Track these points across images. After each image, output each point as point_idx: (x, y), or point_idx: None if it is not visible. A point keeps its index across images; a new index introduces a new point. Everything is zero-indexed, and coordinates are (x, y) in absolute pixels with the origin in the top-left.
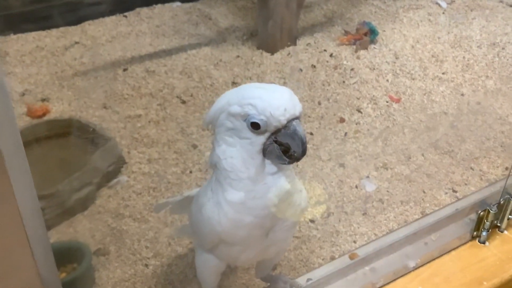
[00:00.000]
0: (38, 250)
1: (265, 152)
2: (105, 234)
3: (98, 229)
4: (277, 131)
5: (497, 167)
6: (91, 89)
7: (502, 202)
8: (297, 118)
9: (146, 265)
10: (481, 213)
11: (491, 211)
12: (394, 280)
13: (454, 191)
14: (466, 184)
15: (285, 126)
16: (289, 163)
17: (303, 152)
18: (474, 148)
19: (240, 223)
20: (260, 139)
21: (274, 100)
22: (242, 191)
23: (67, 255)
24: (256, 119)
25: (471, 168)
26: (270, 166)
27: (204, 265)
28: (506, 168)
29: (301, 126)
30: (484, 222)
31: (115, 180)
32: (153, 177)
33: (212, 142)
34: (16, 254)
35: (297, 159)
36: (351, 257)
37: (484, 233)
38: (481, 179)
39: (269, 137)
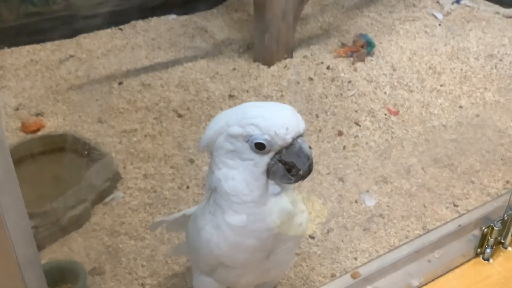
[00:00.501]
0: (29, 276)
1: (269, 172)
2: (100, 252)
3: (93, 247)
4: (281, 150)
5: (498, 180)
6: (86, 103)
7: (506, 218)
8: (301, 135)
9: (143, 285)
10: (485, 230)
11: (495, 227)
12: None
13: (455, 205)
14: (467, 198)
15: (290, 145)
16: (295, 181)
17: (310, 170)
18: (474, 161)
19: (240, 246)
20: (264, 159)
21: (278, 119)
22: (244, 214)
23: (61, 275)
24: (261, 139)
25: (472, 181)
26: (273, 187)
27: None
28: (507, 182)
29: (306, 144)
30: (488, 238)
31: (110, 197)
32: (149, 193)
33: (210, 165)
34: (5, 280)
35: (303, 177)
36: (353, 276)
37: (488, 250)
38: (482, 192)
39: (273, 157)
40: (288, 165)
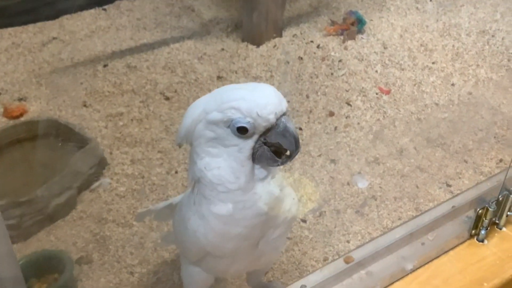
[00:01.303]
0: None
1: (255, 156)
2: (88, 240)
3: (80, 235)
4: (265, 132)
5: (491, 159)
6: (70, 86)
7: (500, 199)
8: (284, 114)
9: (132, 273)
10: (480, 211)
11: (489, 208)
12: (392, 283)
13: (448, 185)
14: (460, 177)
15: (274, 125)
16: (282, 163)
17: (297, 149)
18: (467, 140)
19: (228, 236)
20: (249, 144)
21: (259, 99)
22: (230, 203)
23: (47, 265)
24: (243, 123)
25: (465, 161)
26: (259, 171)
27: (191, 278)
28: (500, 160)
29: (291, 122)
30: (483, 220)
31: (97, 183)
32: (137, 179)
33: (190, 155)
34: None
35: (291, 157)
36: (346, 261)
37: (483, 232)
38: (475, 172)
39: (257, 140)
40: (274, 146)
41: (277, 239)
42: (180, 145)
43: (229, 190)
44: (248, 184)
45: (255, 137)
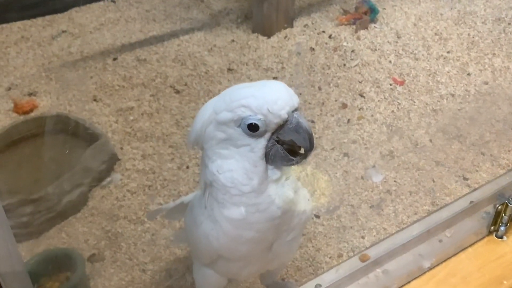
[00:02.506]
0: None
1: (268, 156)
2: (100, 238)
3: (91, 233)
4: (277, 129)
5: (509, 151)
6: (80, 80)
7: None
8: (296, 109)
9: (144, 271)
10: (499, 207)
11: (509, 204)
12: (409, 282)
13: (465, 178)
14: (477, 171)
15: (286, 121)
16: (297, 162)
17: (311, 146)
18: (483, 131)
19: (240, 239)
20: (261, 143)
21: (269, 95)
22: (243, 206)
23: (59, 264)
24: (253, 120)
25: (482, 153)
26: (273, 171)
27: (204, 280)
28: None
29: (303, 117)
30: (502, 216)
31: (108, 179)
32: (148, 174)
33: (202, 159)
34: None
35: (306, 155)
36: (361, 259)
37: (502, 228)
38: (493, 164)
39: (270, 138)
40: (288, 144)
41: (291, 242)
42: (191, 148)
43: (242, 193)
44: (262, 185)
45: (267, 135)
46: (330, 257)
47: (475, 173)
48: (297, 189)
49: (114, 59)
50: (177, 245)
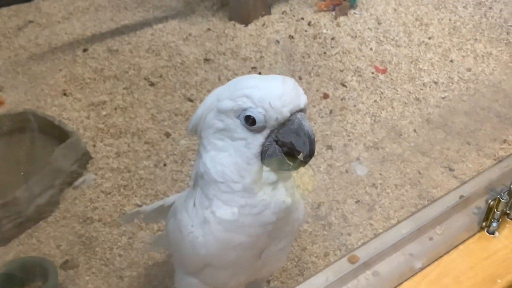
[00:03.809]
0: None
1: (264, 155)
2: (73, 243)
3: (64, 237)
4: (277, 128)
5: (494, 139)
6: (48, 74)
7: None
8: (301, 110)
9: (121, 277)
10: (491, 203)
11: (502, 199)
12: (400, 284)
13: (451, 169)
14: (463, 161)
15: (288, 120)
16: (294, 168)
17: (311, 152)
18: (468, 120)
19: (230, 244)
20: (258, 139)
21: (274, 89)
22: (235, 206)
23: (29, 274)
24: (252, 113)
25: (467, 142)
26: (268, 174)
27: None
28: (504, 141)
29: (307, 121)
30: (494, 211)
31: (80, 180)
32: (123, 173)
33: (198, 149)
34: None
35: (304, 162)
36: (350, 260)
37: (494, 224)
38: (479, 154)
39: (268, 136)
40: (286, 146)
41: (280, 250)
42: (190, 135)
43: (233, 191)
44: (254, 186)
45: (266, 132)
46: (316, 256)
47: (461, 164)
48: (293, 195)
49: (84, 50)
50: (155, 250)
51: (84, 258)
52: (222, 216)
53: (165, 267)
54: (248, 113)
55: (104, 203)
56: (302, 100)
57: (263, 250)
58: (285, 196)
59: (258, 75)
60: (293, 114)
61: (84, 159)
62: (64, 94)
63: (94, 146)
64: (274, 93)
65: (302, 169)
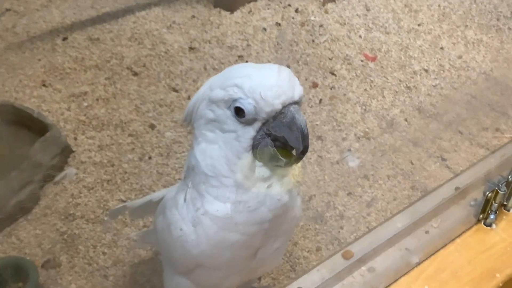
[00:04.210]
0: None
1: (255, 149)
2: (54, 241)
3: (45, 235)
4: (269, 121)
5: (487, 128)
6: (26, 64)
7: (510, 179)
8: (295, 103)
9: (105, 276)
10: (489, 194)
11: (500, 191)
12: (396, 280)
13: (444, 159)
14: (456, 151)
15: (280, 113)
16: (287, 164)
17: (305, 148)
18: (460, 108)
19: (224, 243)
20: (249, 132)
21: (266, 79)
22: (228, 202)
23: (9, 274)
24: (242, 104)
25: (460, 131)
26: (261, 169)
27: None
28: (497, 130)
29: (301, 114)
30: (492, 203)
31: (61, 175)
32: (106, 167)
33: (191, 140)
34: None
35: (297, 158)
36: (345, 256)
37: (492, 216)
38: (471, 143)
39: (259, 129)
40: (279, 141)
41: (276, 250)
42: (185, 125)
43: (224, 185)
44: (246, 182)
45: (257, 125)
46: (308, 251)
47: (454, 153)
48: (291, 191)
49: (64, 39)
50: (141, 247)
51: (66, 256)
52: (214, 213)
53: (152, 264)
54: (237, 104)
55: (87, 198)
56: (296, 91)
57: (258, 249)
58: (282, 192)
59: (253, 64)
60: (285, 106)
61: (65, 153)
62: (43, 85)
63: (75, 139)
64: (266, 84)
65: (269, 149)
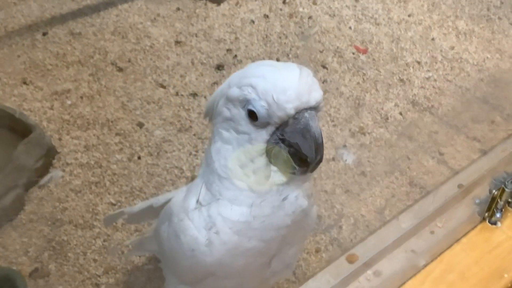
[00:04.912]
0: None
1: (269, 154)
2: (42, 248)
3: (32, 242)
4: (283, 126)
5: (482, 121)
6: (5, 61)
7: None
8: (312, 108)
9: (97, 285)
10: (495, 192)
11: (506, 189)
12: (403, 283)
13: (441, 153)
14: (452, 144)
15: (294, 118)
16: (301, 172)
17: (318, 157)
18: (454, 101)
19: (239, 250)
20: (262, 136)
21: (281, 81)
22: (244, 206)
23: None
24: (255, 106)
25: (455, 125)
26: (276, 174)
27: None
28: (492, 122)
29: (317, 121)
30: (497, 201)
31: (46, 177)
32: (93, 169)
33: (210, 136)
34: None
35: (310, 167)
36: (349, 260)
37: (498, 215)
38: (467, 137)
39: (273, 133)
40: (293, 147)
41: (291, 257)
42: (207, 121)
43: (238, 189)
44: (260, 186)
45: (270, 129)
46: (307, 253)
47: (450, 147)
48: (311, 197)
49: (44, 34)
50: (138, 254)
51: (55, 265)
52: (230, 217)
53: (146, 271)
54: (250, 107)
55: (74, 202)
56: (313, 96)
57: (273, 257)
58: (302, 198)
59: (273, 62)
60: (299, 112)
61: (50, 154)
62: (24, 83)
63: (60, 139)
64: (280, 86)
65: (283, 155)
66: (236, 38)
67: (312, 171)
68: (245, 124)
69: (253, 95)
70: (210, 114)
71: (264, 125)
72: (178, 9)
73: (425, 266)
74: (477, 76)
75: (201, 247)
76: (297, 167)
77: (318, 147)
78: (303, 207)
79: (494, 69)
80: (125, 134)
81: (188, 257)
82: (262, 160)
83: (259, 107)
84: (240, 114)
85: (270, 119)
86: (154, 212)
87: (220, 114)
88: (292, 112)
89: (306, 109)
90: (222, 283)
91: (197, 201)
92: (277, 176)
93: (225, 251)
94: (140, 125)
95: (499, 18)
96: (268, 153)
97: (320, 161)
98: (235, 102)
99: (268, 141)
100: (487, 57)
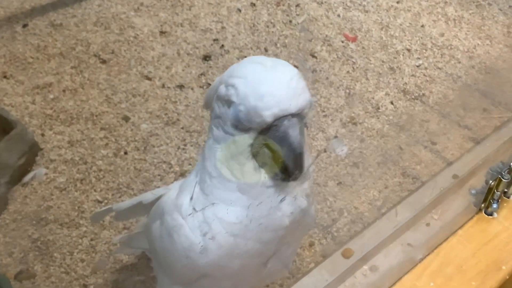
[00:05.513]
0: None
1: (256, 157)
2: (27, 249)
3: (16, 243)
4: (265, 131)
5: (474, 109)
6: None
7: None
8: (295, 115)
9: (85, 286)
10: (492, 183)
11: (503, 179)
12: (401, 278)
13: (433, 143)
14: (444, 133)
15: (274, 125)
16: (283, 179)
17: (297, 166)
18: (445, 89)
19: (235, 252)
20: (245, 139)
21: (261, 85)
22: (241, 208)
23: None
24: (235, 109)
25: (447, 113)
26: (267, 177)
27: None
28: (484, 110)
29: (297, 129)
30: (494, 192)
31: (30, 175)
32: (78, 165)
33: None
34: None
35: (289, 176)
36: (345, 255)
37: (494, 205)
38: (459, 125)
39: (256, 138)
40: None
41: (287, 257)
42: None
43: (229, 190)
44: (254, 189)
45: (252, 133)
46: (301, 247)
47: (442, 136)
48: (309, 196)
49: (24, 26)
50: (126, 253)
51: (41, 266)
52: (227, 218)
53: (135, 270)
54: (231, 110)
55: (59, 200)
56: (295, 103)
57: (270, 258)
58: (301, 198)
59: (265, 59)
60: (278, 119)
61: (33, 151)
62: (4, 77)
63: (42, 135)
64: (260, 91)
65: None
66: (223, 28)
67: (294, 180)
68: (230, 125)
69: (234, 97)
70: (207, 105)
71: (245, 129)
72: None
73: (422, 259)
74: (468, 63)
75: (195, 248)
76: (279, 174)
77: (296, 158)
78: (302, 207)
79: (484, 56)
80: (111, 129)
81: (182, 258)
82: (250, 162)
83: (238, 111)
84: (227, 114)
85: (251, 124)
86: (143, 209)
87: (213, 109)
88: (269, 119)
89: (286, 116)
90: (216, 284)
91: (191, 198)
92: (268, 179)
93: (221, 253)
94: (126, 118)
95: (489, 4)
96: (254, 156)
97: (300, 171)
98: (223, 101)
99: (252, 145)
100: (478, 44)
